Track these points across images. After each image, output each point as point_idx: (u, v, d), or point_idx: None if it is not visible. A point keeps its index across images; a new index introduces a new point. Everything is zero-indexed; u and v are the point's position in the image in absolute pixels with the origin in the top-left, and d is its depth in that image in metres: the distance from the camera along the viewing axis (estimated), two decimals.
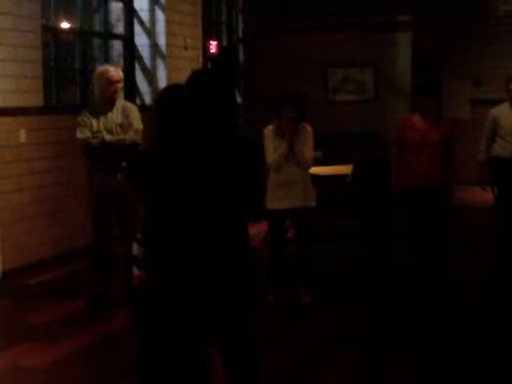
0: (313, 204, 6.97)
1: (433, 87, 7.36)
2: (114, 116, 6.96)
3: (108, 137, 6.80)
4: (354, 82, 13.78)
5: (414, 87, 7.59)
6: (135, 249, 3.81)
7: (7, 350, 5.90)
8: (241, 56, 14.43)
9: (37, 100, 8.45)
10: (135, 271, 3.81)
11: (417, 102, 7.42)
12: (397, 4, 13.18)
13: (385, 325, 6.39)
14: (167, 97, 3.79)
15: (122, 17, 10.84)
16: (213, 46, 12.32)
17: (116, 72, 7.05)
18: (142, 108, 8.35)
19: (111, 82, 6.94)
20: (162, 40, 11.02)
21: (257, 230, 9.13)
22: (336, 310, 6.84)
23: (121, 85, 7.11)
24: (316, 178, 8.08)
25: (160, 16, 11.01)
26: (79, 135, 6.85)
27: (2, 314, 7.07)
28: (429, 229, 7.20)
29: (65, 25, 9.51)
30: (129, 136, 6.86)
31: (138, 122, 6.97)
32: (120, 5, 10.78)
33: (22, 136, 8.18)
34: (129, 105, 7.21)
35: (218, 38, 13.01)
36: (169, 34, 11.06)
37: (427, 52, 13.79)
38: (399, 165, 7.23)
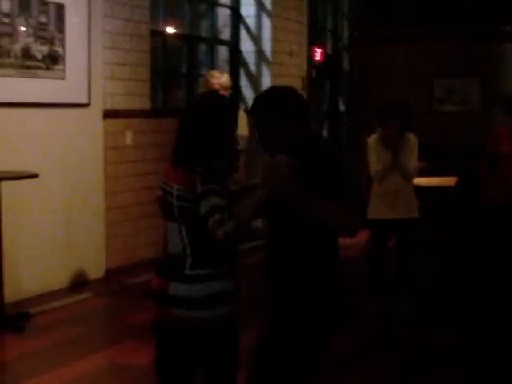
0: (416, 215, 6.89)
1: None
2: None
3: None
4: (459, 92, 13.57)
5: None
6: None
7: (109, 348, 6.02)
8: (345, 64, 14.39)
9: (144, 103, 8.59)
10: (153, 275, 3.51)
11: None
12: (503, 13, 12.90)
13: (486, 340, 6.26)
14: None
15: (228, 23, 10.92)
16: (318, 53, 12.30)
17: (215, 79, 7.05)
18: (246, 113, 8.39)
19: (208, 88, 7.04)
20: (267, 46, 11.07)
21: (357, 238, 9.03)
22: (435, 323, 6.73)
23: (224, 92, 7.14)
24: (420, 188, 7.97)
25: (266, 22, 11.06)
26: None
27: (104, 312, 7.21)
28: None
29: (172, 30, 9.65)
30: None
31: (242, 129, 7.00)
32: (227, 11, 10.87)
33: (129, 138, 8.33)
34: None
35: (323, 45, 12.98)
36: (274, 40, 11.10)
37: None
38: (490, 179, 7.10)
